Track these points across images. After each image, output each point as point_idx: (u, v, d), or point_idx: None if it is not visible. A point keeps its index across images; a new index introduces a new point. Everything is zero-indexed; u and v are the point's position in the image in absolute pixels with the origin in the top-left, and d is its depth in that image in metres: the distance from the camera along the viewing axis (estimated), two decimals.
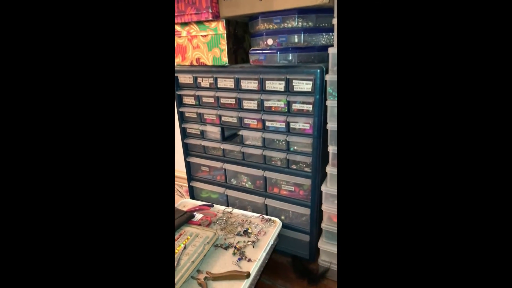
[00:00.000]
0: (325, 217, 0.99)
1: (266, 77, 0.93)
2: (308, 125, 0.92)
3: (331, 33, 0.84)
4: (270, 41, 0.85)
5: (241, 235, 0.99)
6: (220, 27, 0.95)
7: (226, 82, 1.02)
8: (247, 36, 1.06)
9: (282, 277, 1.04)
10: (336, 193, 0.93)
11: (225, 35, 0.95)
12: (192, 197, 1.34)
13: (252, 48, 0.94)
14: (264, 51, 0.88)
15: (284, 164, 1.02)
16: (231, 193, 1.19)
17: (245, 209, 1.17)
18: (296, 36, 0.84)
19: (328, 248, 1.00)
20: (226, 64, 1.00)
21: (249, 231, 1.01)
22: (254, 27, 0.94)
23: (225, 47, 0.96)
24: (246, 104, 1.01)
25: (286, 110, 0.94)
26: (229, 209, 1.14)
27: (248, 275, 0.81)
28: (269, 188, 1.10)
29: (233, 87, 1.01)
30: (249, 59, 0.98)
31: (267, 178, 1.08)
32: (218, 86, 1.04)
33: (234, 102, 1.03)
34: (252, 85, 0.96)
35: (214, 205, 1.17)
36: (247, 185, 1.15)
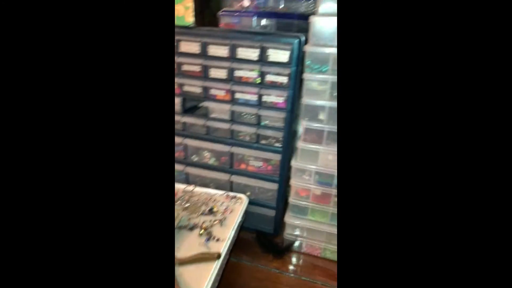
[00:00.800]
0: (292, 191, 0.99)
1: (238, 43, 0.84)
2: (282, 98, 0.88)
3: (311, 0, 0.79)
4: (246, 2, 0.76)
5: (206, 215, 0.93)
6: None
7: (190, 47, 0.89)
8: None
9: (247, 253, 1.03)
10: (304, 168, 0.93)
11: None
12: None
13: (223, 9, 0.83)
14: (239, 13, 0.78)
15: (254, 139, 0.98)
16: (192, 170, 1.11)
17: (207, 187, 1.10)
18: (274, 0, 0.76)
19: (293, 222, 1.02)
20: (191, 25, 0.87)
21: (215, 209, 0.96)
22: None
23: (191, 4, 0.83)
24: (214, 73, 0.91)
25: (259, 81, 0.88)
26: (190, 187, 1.06)
27: (219, 256, 0.77)
28: (235, 164, 1.04)
29: (198, 52, 0.89)
30: (216, 22, 0.88)
31: (234, 153, 1.02)
32: (180, 50, 0.91)
33: (199, 70, 0.92)
34: (222, 51, 0.87)
35: None
36: (210, 162, 1.08)
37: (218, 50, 0.87)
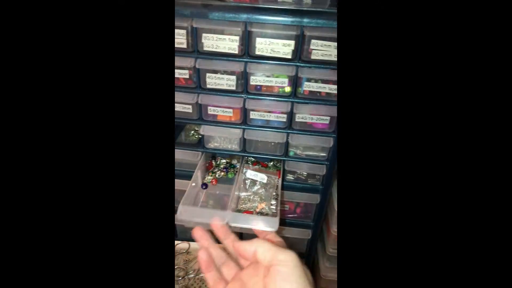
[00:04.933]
0: (330, 240, 0.72)
1: (257, 30, 0.48)
2: (328, 118, 0.56)
3: None
4: None
5: None
6: None
7: None
8: None
9: None
10: None
11: None
12: None
13: None
14: None
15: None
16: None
17: None
18: None
19: (334, 277, 0.75)
20: None
21: None
22: None
23: None
24: (214, 81, 0.54)
25: (288, 91, 0.55)
26: (185, 245, 0.73)
27: None
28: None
29: (185, 47, 0.52)
30: None
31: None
32: None
33: (187, 77, 0.55)
34: (228, 44, 0.50)
35: None
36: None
37: (221, 43, 0.50)
